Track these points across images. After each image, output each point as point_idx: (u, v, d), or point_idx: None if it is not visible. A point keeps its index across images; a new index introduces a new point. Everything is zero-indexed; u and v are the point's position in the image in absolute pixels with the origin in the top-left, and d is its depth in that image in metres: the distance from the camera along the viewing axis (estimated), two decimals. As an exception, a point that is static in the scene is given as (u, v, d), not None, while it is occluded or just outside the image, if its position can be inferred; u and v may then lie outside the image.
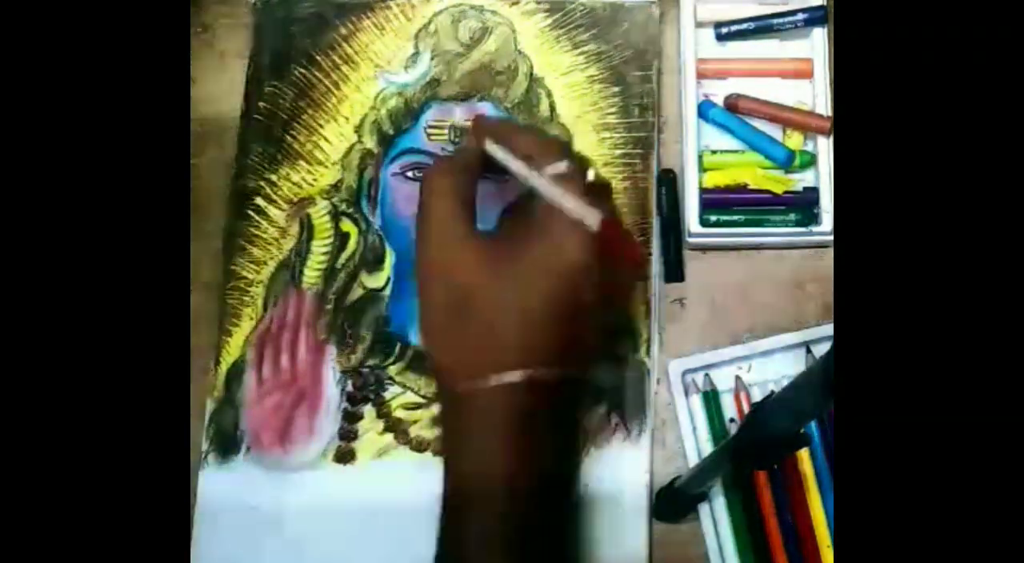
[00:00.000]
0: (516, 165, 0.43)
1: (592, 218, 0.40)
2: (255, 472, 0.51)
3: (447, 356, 0.43)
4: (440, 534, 0.42)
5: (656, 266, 0.53)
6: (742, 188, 0.53)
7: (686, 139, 0.54)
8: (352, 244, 0.55)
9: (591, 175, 0.43)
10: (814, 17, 0.55)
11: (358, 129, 0.56)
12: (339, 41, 0.58)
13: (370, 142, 0.56)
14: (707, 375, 0.51)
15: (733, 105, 0.54)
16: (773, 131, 0.54)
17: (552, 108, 0.56)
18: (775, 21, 0.55)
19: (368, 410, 0.52)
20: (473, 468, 0.41)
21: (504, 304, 0.41)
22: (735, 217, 0.53)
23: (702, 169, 0.54)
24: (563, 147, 0.45)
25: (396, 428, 0.51)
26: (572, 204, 0.40)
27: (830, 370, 0.30)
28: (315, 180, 0.56)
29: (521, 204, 0.46)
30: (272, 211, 0.55)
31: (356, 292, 0.54)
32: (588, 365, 0.45)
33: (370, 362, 0.53)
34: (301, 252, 0.54)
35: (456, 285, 0.42)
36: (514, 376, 0.40)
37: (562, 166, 0.42)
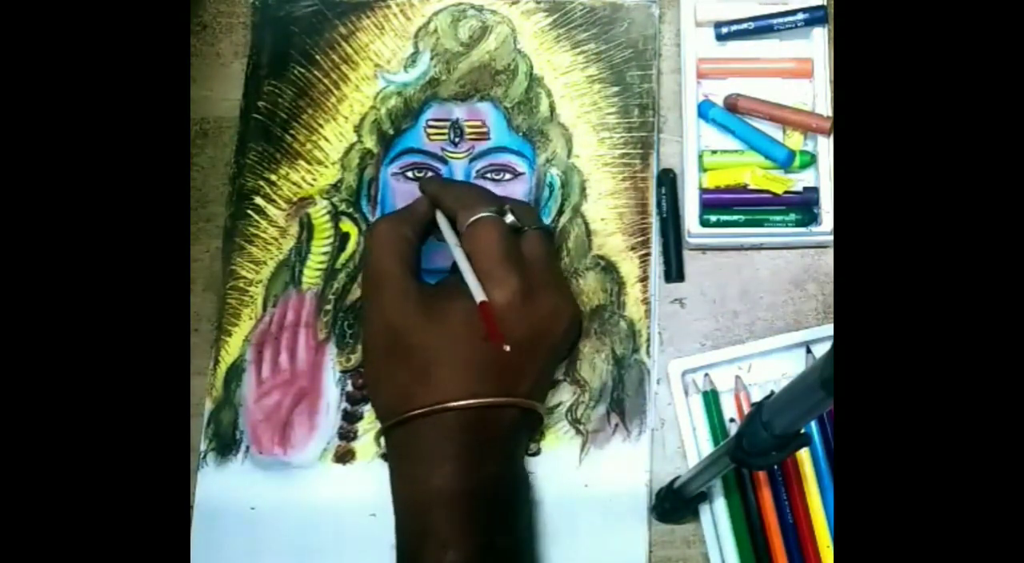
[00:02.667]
0: (446, 233, 0.49)
1: (477, 295, 0.44)
2: (254, 472, 0.51)
3: (384, 392, 0.47)
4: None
5: (656, 266, 0.53)
6: (742, 188, 0.53)
7: (686, 139, 0.54)
8: (352, 244, 0.54)
9: (508, 219, 0.48)
10: (814, 17, 0.55)
11: (358, 129, 0.56)
12: (339, 40, 0.58)
13: (370, 142, 0.56)
14: (707, 375, 0.51)
15: (733, 105, 0.54)
16: (773, 131, 0.54)
17: (552, 108, 0.56)
18: (775, 21, 0.55)
19: (368, 410, 0.52)
20: (418, 495, 0.44)
21: (432, 347, 0.45)
22: (735, 217, 0.52)
23: (702, 169, 0.54)
24: (483, 196, 0.50)
25: (396, 428, 0.51)
26: (469, 278, 0.45)
27: (830, 370, 0.30)
28: (315, 180, 0.55)
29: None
30: (272, 211, 0.55)
31: (356, 292, 0.54)
32: (528, 396, 0.47)
33: (370, 362, 0.53)
34: (301, 252, 0.54)
35: (390, 327, 0.46)
36: (442, 405, 0.44)
37: (480, 214, 0.47)
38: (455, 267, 0.48)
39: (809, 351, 0.51)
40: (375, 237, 0.48)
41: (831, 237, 0.52)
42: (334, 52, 0.57)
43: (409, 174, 0.55)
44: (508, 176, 0.55)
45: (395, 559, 0.44)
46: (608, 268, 0.53)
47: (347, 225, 0.55)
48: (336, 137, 0.56)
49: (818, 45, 0.55)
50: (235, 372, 0.53)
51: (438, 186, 0.52)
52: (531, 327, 0.45)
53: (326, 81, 0.57)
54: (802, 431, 0.37)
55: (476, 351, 0.44)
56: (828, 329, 0.51)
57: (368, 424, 0.52)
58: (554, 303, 0.48)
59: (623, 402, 0.51)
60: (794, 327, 0.52)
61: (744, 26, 0.55)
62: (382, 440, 0.51)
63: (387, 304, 0.46)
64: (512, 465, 0.47)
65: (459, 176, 0.55)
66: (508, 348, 0.43)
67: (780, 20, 0.55)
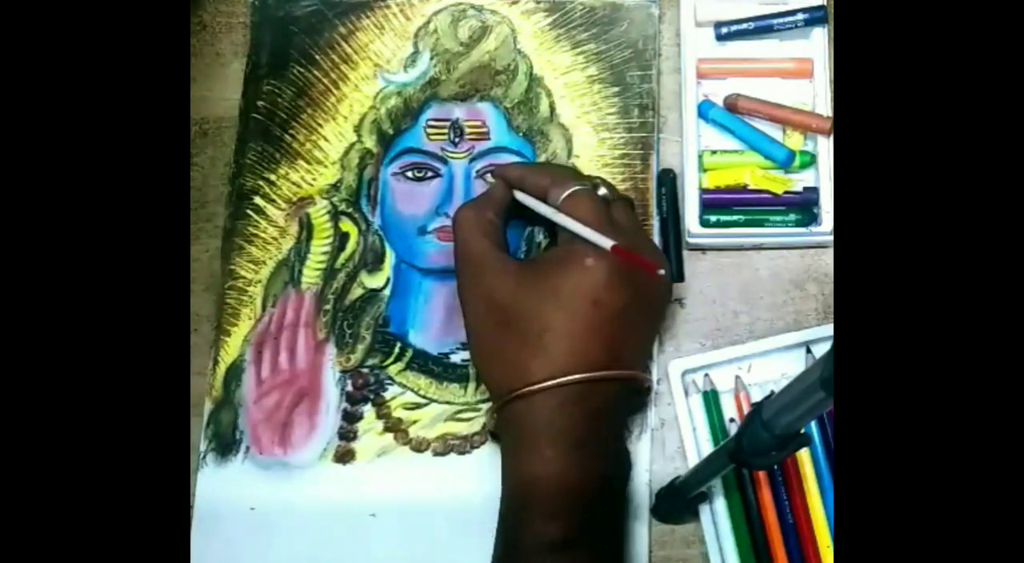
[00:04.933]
0: (540, 206, 0.48)
1: (605, 243, 0.43)
2: (254, 473, 0.51)
3: (499, 367, 0.46)
4: (498, 538, 0.45)
5: (656, 266, 0.53)
6: (742, 188, 0.53)
7: (686, 139, 0.54)
8: (352, 244, 0.54)
9: (601, 191, 0.49)
10: (814, 17, 0.55)
11: (357, 128, 0.56)
12: (338, 40, 0.58)
13: (369, 141, 0.56)
14: (707, 375, 0.51)
15: (733, 105, 0.54)
16: (773, 131, 0.54)
17: (552, 108, 0.56)
18: (775, 21, 0.55)
19: (368, 410, 0.52)
20: (529, 469, 0.44)
21: (543, 318, 0.44)
22: (735, 217, 0.52)
23: (702, 169, 0.54)
24: (573, 173, 0.51)
25: (396, 428, 0.51)
26: (588, 232, 0.44)
27: (830, 370, 0.30)
28: (314, 179, 0.55)
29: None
30: (271, 211, 0.55)
31: (355, 292, 0.54)
32: (635, 367, 0.47)
33: (369, 362, 0.53)
34: (300, 252, 0.54)
35: (496, 304, 0.46)
36: (560, 379, 0.44)
37: (573, 188, 0.47)
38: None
39: (809, 351, 0.51)
40: (460, 223, 0.48)
41: (831, 237, 0.52)
42: (334, 52, 0.57)
43: (409, 174, 0.55)
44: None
45: (495, 530, 0.45)
46: (608, 268, 0.53)
47: (347, 225, 0.55)
48: (336, 137, 0.56)
49: (818, 45, 0.55)
50: (235, 372, 0.53)
51: (519, 169, 0.52)
52: (635, 291, 0.45)
53: (326, 81, 0.57)
54: (802, 431, 0.37)
55: (585, 318, 0.44)
56: (828, 329, 0.51)
57: (368, 424, 0.52)
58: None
59: (623, 402, 0.51)
60: (794, 327, 0.52)
61: (744, 26, 0.55)
62: (382, 439, 0.51)
63: (490, 282, 0.46)
64: (616, 441, 0.48)
65: (459, 176, 0.55)
66: (663, 272, 0.44)
67: (780, 20, 0.55)
